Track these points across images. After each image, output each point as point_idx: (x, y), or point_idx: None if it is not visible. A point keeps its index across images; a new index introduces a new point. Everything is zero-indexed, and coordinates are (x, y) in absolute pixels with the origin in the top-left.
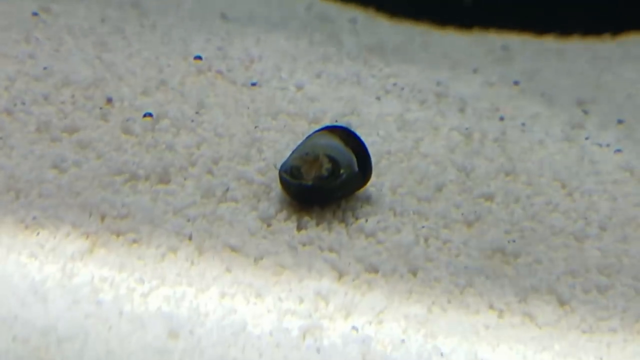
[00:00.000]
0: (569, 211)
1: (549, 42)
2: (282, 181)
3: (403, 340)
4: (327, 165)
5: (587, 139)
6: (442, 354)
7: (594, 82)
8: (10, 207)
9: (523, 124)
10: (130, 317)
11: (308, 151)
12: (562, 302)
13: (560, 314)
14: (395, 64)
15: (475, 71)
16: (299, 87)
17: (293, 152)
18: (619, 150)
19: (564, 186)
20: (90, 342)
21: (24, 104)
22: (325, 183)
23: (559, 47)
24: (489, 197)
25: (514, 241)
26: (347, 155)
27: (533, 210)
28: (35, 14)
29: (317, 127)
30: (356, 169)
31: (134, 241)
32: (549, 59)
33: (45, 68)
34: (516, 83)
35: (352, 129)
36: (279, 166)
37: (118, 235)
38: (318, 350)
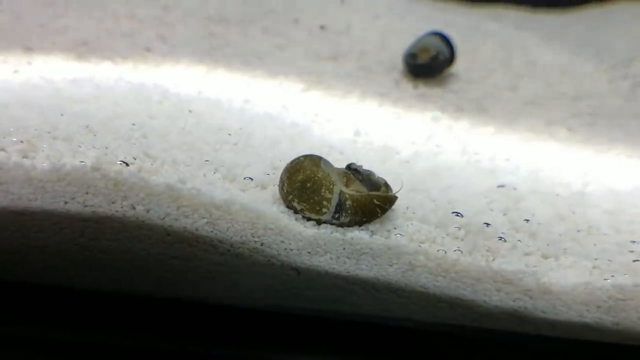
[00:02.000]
0: None
1: (521, 12)
2: (405, 61)
3: (483, 144)
4: (432, 52)
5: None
6: (507, 159)
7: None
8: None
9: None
10: (334, 123)
11: (421, 44)
12: (569, 129)
13: (570, 134)
14: (435, 14)
15: (498, 18)
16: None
17: (411, 45)
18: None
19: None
20: (314, 134)
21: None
22: (430, 63)
23: (527, 13)
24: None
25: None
26: (443, 47)
27: None
28: None
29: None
30: (448, 56)
31: (328, 87)
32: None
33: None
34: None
35: (447, 35)
36: (403, 53)
37: (320, 83)
38: (437, 146)
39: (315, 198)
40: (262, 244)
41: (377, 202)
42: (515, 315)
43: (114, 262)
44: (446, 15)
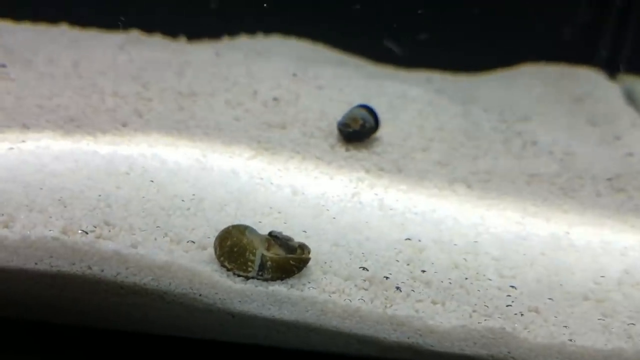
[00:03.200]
0: None
1: (445, 76)
2: (339, 129)
3: (397, 200)
4: (360, 122)
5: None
6: (416, 213)
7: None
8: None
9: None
10: (276, 185)
11: (351, 115)
12: (468, 185)
13: (468, 190)
14: (370, 83)
15: (425, 82)
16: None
17: (343, 116)
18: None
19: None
20: (258, 196)
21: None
22: (359, 130)
23: (449, 77)
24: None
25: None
26: (369, 117)
27: None
28: None
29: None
30: (373, 124)
31: (274, 153)
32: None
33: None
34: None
35: (372, 106)
36: (337, 122)
37: (267, 149)
38: (360, 203)
39: (242, 259)
40: (200, 295)
41: (293, 263)
42: (411, 349)
43: (81, 306)
44: (380, 82)
